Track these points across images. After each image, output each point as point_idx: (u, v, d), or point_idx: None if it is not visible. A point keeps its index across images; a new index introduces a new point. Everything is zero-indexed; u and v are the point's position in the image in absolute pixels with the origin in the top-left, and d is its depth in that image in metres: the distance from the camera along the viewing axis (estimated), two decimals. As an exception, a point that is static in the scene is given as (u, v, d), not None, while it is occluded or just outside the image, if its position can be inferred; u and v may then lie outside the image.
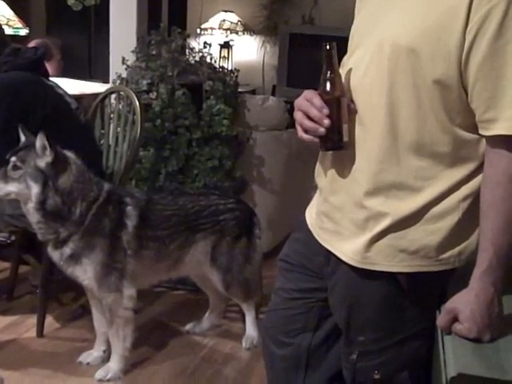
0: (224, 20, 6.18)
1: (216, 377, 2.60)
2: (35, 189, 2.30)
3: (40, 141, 2.29)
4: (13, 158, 2.33)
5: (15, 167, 2.32)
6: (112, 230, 2.43)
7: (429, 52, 1.22)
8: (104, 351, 2.62)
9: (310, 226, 1.52)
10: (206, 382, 2.56)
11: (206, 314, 2.97)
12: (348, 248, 1.38)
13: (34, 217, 2.36)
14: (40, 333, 2.77)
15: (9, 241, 3.38)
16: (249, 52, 6.39)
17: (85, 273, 2.42)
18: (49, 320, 2.88)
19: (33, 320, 2.81)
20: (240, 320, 2.96)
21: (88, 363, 2.60)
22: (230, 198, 2.85)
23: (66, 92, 2.88)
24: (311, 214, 1.53)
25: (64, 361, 2.61)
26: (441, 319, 1.26)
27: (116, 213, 2.45)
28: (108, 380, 2.49)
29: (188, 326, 2.93)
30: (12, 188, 2.33)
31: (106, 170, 3.07)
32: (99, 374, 2.49)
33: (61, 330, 2.86)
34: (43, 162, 2.31)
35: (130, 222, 2.47)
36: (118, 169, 3.04)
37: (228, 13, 6.19)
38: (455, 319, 1.23)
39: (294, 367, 1.61)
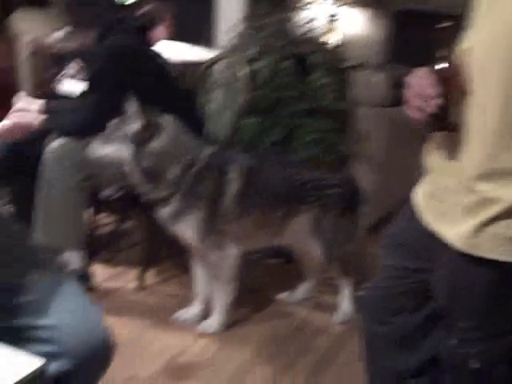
0: (333, -8, 6.09)
1: (306, 347, 2.63)
2: (126, 151, 2.44)
3: (131, 107, 2.41)
4: (111, 123, 2.47)
5: (113, 131, 2.46)
6: (212, 193, 2.50)
7: None
8: (201, 310, 2.70)
9: (418, 207, 1.50)
10: (296, 351, 2.59)
11: (301, 285, 2.99)
12: (455, 232, 1.36)
13: (131, 177, 2.50)
14: (141, 285, 2.88)
15: (116, 195, 3.50)
16: (357, 25, 6.27)
17: (187, 231, 2.52)
18: (150, 274, 2.98)
19: (135, 273, 2.93)
20: (333, 293, 2.96)
21: (184, 320, 2.68)
22: (337, 174, 2.85)
23: (167, 60, 2.93)
24: (419, 195, 1.51)
25: (162, 314, 2.70)
26: None
27: (216, 177, 2.51)
28: (211, 333, 2.60)
29: (283, 295, 2.97)
30: (108, 150, 2.48)
31: (210, 137, 3.12)
32: (202, 327, 2.62)
33: (161, 285, 2.96)
34: (135, 126, 2.42)
35: (231, 188, 2.52)
36: (221, 136, 3.08)
37: (338, -16, 6.09)
38: None
39: (391, 346, 1.62)
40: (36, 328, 1.33)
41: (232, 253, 2.56)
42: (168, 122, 2.49)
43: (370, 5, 6.15)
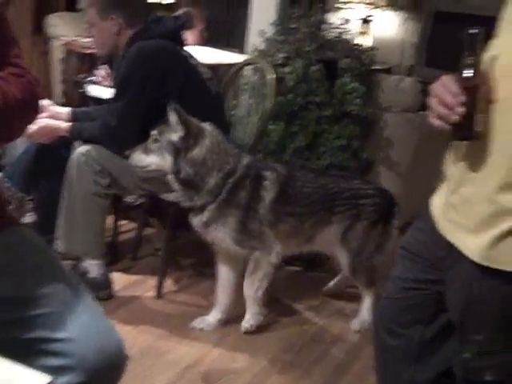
0: (367, -6, 6.05)
1: (322, 356, 2.60)
2: (169, 160, 2.47)
3: (172, 116, 2.43)
4: (153, 132, 2.49)
5: (155, 140, 2.49)
6: (248, 202, 2.53)
7: None
8: (219, 320, 2.70)
9: (435, 217, 1.47)
10: (313, 360, 2.57)
11: (336, 278, 3.04)
12: (472, 243, 1.33)
13: (173, 185, 2.54)
14: (159, 294, 2.88)
15: (137, 203, 3.52)
16: (389, 28, 6.21)
17: (224, 239, 2.54)
18: (168, 283, 2.98)
19: (153, 281, 2.93)
20: (353, 301, 2.94)
21: (202, 328, 2.68)
22: (372, 184, 2.86)
23: (199, 62, 2.93)
24: (437, 204, 1.49)
25: (178, 323, 2.70)
26: None
27: (254, 186, 2.54)
28: (253, 329, 2.66)
29: (325, 289, 3.05)
30: (151, 159, 2.51)
31: (235, 141, 3.11)
32: (242, 327, 2.66)
33: (178, 294, 2.95)
34: (176, 135, 2.45)
35: (268, 196, 2.55)
36: (248, 140, 3.07)
37: (373, -13, 6.04)
38: None
39: (404, 359, 1.59)
40: (50, 341, 1.33)
41: (277, 249, 2.58)
42: (208, 130, 2.52)
43: (404, 7, 6.08)
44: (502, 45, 1.30)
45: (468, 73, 1.26)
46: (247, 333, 2.66)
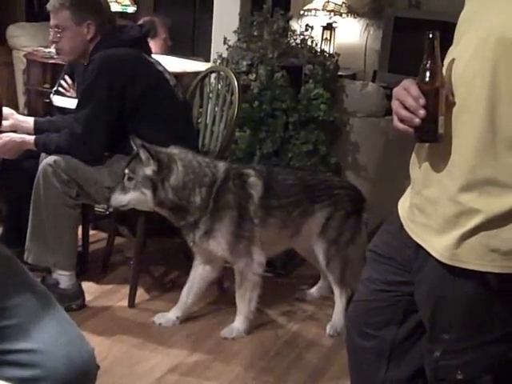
0: (328, 1, 6.10)
1: (297, 361, 2.61)
2: (149, 194, 2.51)
3: (143, 154, 2.48)
4: (126, 170, 2.53)
5: (129, 178, 2.53)
6: (238, 201, 2.61)
7: None
8: (177, 317, 2.75)
9: (401, 219, 1.50)
10: (287, 365, 2.58)
11: (317, 285, 3.08)
12: (438, 243, 1.35)
13: (160, 212, 2.58)
14: (131, 303, 2.86)
15: (107, 212, 3.50)
16: (352, 35, 6.28)
17: (218, 245, 2.61)
18: (140, 291, 2.96)
19: (125, 290, 2.91)
20: (326, 306, 2.97)
21: (160, 324, 2.73)
22: (342, 178, 3.01)
23: (165, 69, 2.94)
24: (404, 207, 1.51)
25: (152, 332, 2.69)
26: None
27: (239, 186, 2.61)
28: (233, 338, 2.67)
29: (297, 294, 3.08)
30: (130, 197, 2.54)
31: (202, 149, 3.12)
32: (224, 332, 2.69)
33: (151, 302, 2.94)
34: (150, 170, 2.50)
35: (256, 193, 2.63)
36: (214, 148, 3.09)
37: (333, -6, 6.11)
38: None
39: (377, 360, 1.60)
40: (16, 352, 1.32)
41: (259, 259, 2.65)
42: (176, 154, 2.56)
43: (365, 14, 6.16)
44: (459, 50, 1.34)
45: (428, 76, 1.30)
46: (227, 339, 2.68)
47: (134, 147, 2.56)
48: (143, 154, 2.48)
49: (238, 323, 2.70)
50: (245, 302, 2.68)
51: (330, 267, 2.81)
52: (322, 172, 3.00)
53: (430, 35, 1.30)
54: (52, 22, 2.80)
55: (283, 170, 2.86)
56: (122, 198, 2.55)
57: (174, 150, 2.57)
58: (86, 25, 2.76)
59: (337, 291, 2.84)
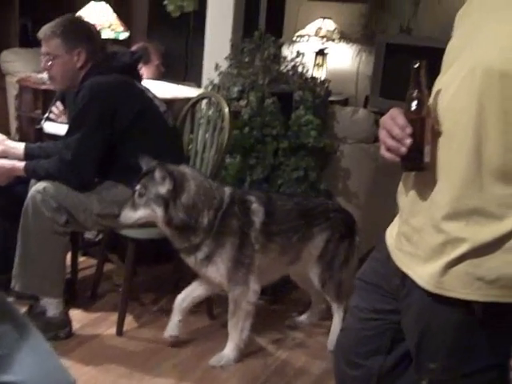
0: (321, 27, 6.17)
1: (287, 390, 2.60)
2: (160, 212, 2.50)
3: (159, 173, 2.48)
4: (137, 187, 2.53)
5: (140, 195, 2.52)
6: (241, 227, 2.61)
7: None
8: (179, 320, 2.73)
9: (388, 247, 1.51)
10: (277, 393, 2.56)
11: (307, 312, 3.08)
12: (424, 271, 1.36)
13: (166, 232, 2.57)
14: (119, 331, 2.84)
15: (96, 239, 3.49)
16: (344, 60, 6.34)
17: (217, 271, 2.61)
18: (129, 319, 2.94)
19: (114, 318, 2.88)
20: (315, 334, 2.95)
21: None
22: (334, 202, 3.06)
23: (155, 96, 2.95)
24: (391, 235, 1.52)
25: (140, 361, 2.66)
26: None
27: (242, 211, 2.63)
28: (221, 366, 2.65)
29: (287, 321, 3.06)
30: (140, 214, 2.53)
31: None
32: (213, 360, 2.67)
33: (139, 330, 2.92)
34: (164, 189, 2.49)
35: (258, 219, 2.65)
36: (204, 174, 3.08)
37: (326, 20, 6.17)
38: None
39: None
40: None
41: (254, 288, 2.65)
42: (189, 173, 2.58)
43: (357, 40, 6.21)
44: (446, 80, 1.34)
45: (414, 105, 1.31)
46: (215, 367, 2.65)
47: (143, 166, 2.56)
48: (159, 173, 2.47)
49: (229, 350, 2.69)
50: (237, 331, 2.67)
51: (325, 289, 2.84)
52: (315, 197, 3.07)
53: (416, 64, 1.32)
54: (43, 49, 2.82)
55: (280, 196, 2.90)
56: (132, 215, 2.53)
57: (185, 169, 2.59)
58: (77, 52, 2.78)
59: (334, 306, 2.87)
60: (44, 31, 2.79)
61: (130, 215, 2.53)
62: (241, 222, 2.61)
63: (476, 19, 1.34)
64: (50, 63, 2.81)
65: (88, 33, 2.85)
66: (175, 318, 2.73)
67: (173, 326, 2.74)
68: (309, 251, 2.79)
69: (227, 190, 2.65)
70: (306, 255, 2.79)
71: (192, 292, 2.76)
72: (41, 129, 3.47)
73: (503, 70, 1.20)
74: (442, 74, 1.38)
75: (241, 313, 2.65)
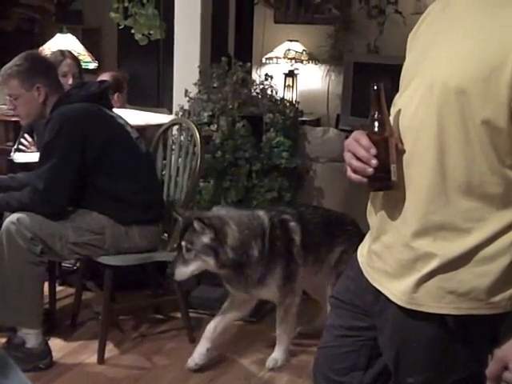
0: (289, 49, 6.24)
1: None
2: (211, 260, 2.57)
3: (197, 225, 2.53)
4: (183, 243, 2.58)
5: (188, 249, 2.57)
6: (286, 247, 2.73)
7: (478, 92, 1.22)
8: (207, 349, 2.77)
9: (360, 264, 1.52)
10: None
11: (318, 318, 3.12)
12: (396, 288, 1.38)
13: (221, 274, 2.69)
14: (101, 359, 2.82)
15: (74, 267, 3.48)
16: (313, 81, 6.40)
17: (269, 291, 2.75)
18: (110, 347, 2.93)
19: (94, 346, 2.87)
20: (298, 352, 2.96)
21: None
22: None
23: (127, 122, 2.97)
24: (362, 253, 1.53)
25: (122, 388, 2.66)
26: (490, 369, 1.24)
27: (283, 233, 2.74)
28: (277, 367, 2.81)
29: (299, 328, 3.06)
30: (193, 268, 2.60)
31: (167, 199, 3.14)
32: (269, 363, 2.82)
33: (121, 357, 2.91)
34: (207, 238, 2.55)
35: (297, 237, 2.77)
36: (178, 199, 3.11)
37: (293, 42, 6.24)
38: (505, 368, 1.20)
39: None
40: None
41: (299, 293, 2.81)
42: (224, 213, 2.65)
43: (325, 60, 6.28)
44: (405, 98, 1.37)
45: (377, 126, 1.33)
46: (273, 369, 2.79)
47: (181, 223, 2.67)
48: (197, 225, 2.53)
49: (280, 352, 2.82)
50: (286, 334, 2.81)
51: None
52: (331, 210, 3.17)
53: (375, 87, 1.34)
54: (5, 91, 2.87)
55: (307, 209, 2.99)
56: (186, 271, 2.58)
57: (221, 212, 2.67)
58: (36, 88, 2.80)
59: None
60: (1, 75, 2.83)
61: (184, 271, 2.58)
62: (284, 243, 2.72)
63: (428, 39, 1.37)
64: (14, 103, 2.86)
65: (44, 67, 2.88)
66: (204, 346, 2.76)
67: (200, 355, 2.76)
68: (329, 262, 2.88)
69: (263, 215, 2.73)
70: (326, 265, 2.89)
71: (223, 319, 2.80)
72: (12, 160, 3.47)
73: (460, 87, 1.23)
74: (400, 94, 1.41)
75: (290, 317, 2.79)
